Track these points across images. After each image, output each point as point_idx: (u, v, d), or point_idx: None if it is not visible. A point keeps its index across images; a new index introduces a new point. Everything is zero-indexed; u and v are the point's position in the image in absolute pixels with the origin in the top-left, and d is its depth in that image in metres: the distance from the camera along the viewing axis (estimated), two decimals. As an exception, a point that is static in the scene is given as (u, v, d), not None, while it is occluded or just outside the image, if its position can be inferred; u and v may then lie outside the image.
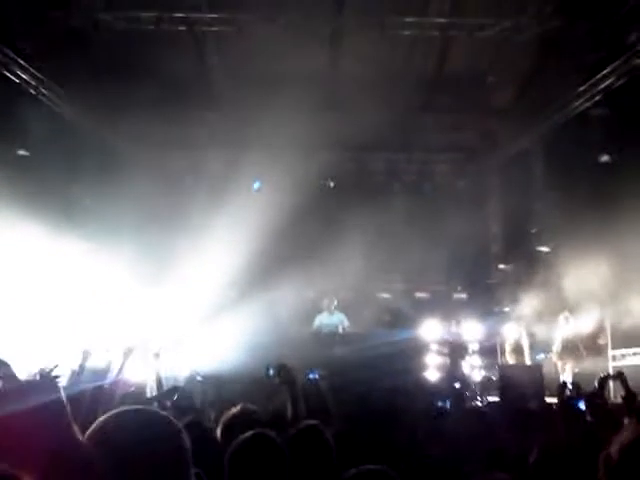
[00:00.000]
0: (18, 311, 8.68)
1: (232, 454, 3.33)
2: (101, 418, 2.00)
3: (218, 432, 4.81)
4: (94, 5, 10.48)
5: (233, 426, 4.79)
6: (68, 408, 2.26)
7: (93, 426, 1.97)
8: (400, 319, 12.40)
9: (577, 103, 12.01)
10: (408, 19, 11.67)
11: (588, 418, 5.46)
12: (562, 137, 12.66)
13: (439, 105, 13.85)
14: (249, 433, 3.43)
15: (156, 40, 11.07)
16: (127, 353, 7.47)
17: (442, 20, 11.76)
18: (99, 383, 6.71)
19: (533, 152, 13.79)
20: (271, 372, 8.52)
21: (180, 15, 10.75)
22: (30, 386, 2.74)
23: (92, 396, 6.78)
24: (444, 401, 7.60)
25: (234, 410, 4.94)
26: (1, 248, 9.05)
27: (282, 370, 6.32)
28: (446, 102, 13.69)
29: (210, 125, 12.39)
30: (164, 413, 2.10)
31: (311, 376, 7.35)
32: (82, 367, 7.71)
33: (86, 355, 7.96)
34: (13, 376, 5.09)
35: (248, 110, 11.81)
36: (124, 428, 1.95)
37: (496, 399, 9.67)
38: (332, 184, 14.23)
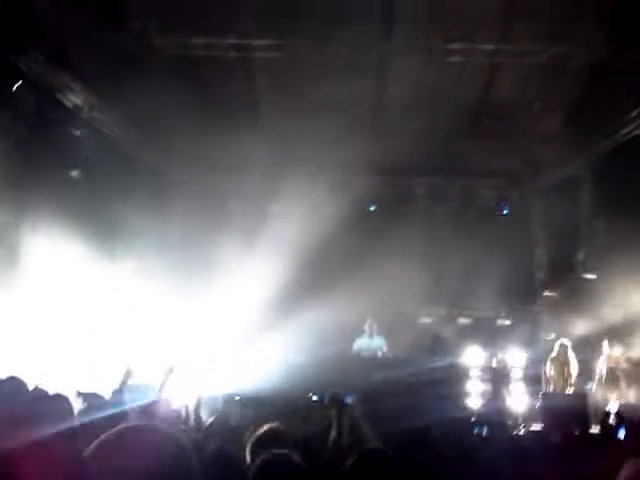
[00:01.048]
0: (64, 329, 8.91)
1: (253, 475, 3.36)
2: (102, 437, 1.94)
3: (247, 451, 4.87)
4: (148, 30, 10.81)
5: (261, 445, 4.85)
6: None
7: (95, 443, 1.93)
8: (441, 344, 12.30)
9: (627, 130, 11.88)
10: (455, 45, 11.73)
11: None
12: (611, 164, 12.51)
13: (485, 131, 13.81)
14: (269, 454, 3.44)
15: (206, 64, 11.36)
16: (168, 372, 7.61)
17: (490, 47, 11.79)
18: (141, 403, 6.86)
19: (580, 178, 13.62)
20: (319, 398, 8.62)
21: (231, 42, 11.03)
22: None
23: (138, 415, 6.92)
24: (482, 428, 7.52)
25: (262, 430, 4.99)
26: (53, 267, 9.35)
27: (335, 397, 6.41)
28: (492, 128, 13.65)
29: (256, 148, 12.59)
30: (171, 431, 2.06)
31: (347, 400, 7.37)
32: (124, 385, 7.87)
33: (128, 373, 8.13)
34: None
35: (293, 134, 11.99)
36: (123, 446, 1.92)
37: (538, 428, 9.50)
38: (373, 208, 14.27)
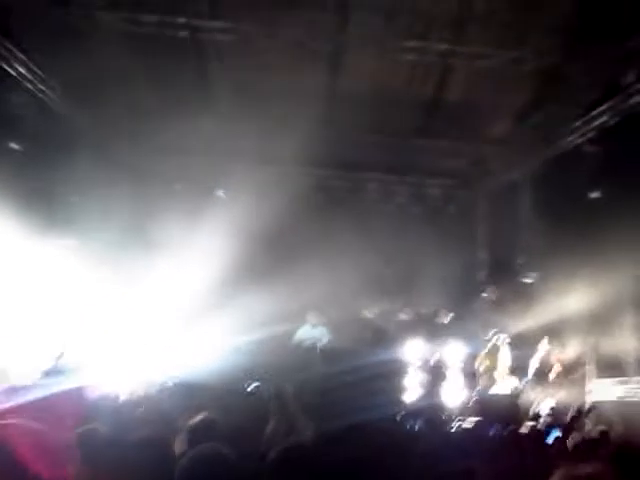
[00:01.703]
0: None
1: (182, 467, 3.24)
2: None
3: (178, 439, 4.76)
4: (95, 3, 10.48)
5: (194, 435, 4.74)
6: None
7: None
8: (382, 338, 12.36)
9: (571, 138, 12.18)
10: (409, 43, 11.78)
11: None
12: (553, 170, 12.82)
13: (435, 130, 13.92)
14: (198, 449, 3.35)
15: (156, 43, 11.08)
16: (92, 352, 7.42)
17: (444, 47, 11.88)
18: (70, 385, 6.65)
19: (522, 183, 13.91)
20: (256, 388, 8.54)
21: (182, 21, 10.79)
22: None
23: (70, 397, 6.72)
24: (415, 421, 7.57)
25: (195, 419, 4.88)
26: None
27: (278, 390, 6.36)
28: (443, 127, 13.77)
29: (204, 132, 12.39)
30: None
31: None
32: (55, 366, 7.64)
33: (60, 355, 7.89)
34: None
35: (244, 121, 11.83)
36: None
37: (472, 424, 9.64)
38: (318, 201, 14.20)
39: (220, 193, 12.48)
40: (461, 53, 11.99)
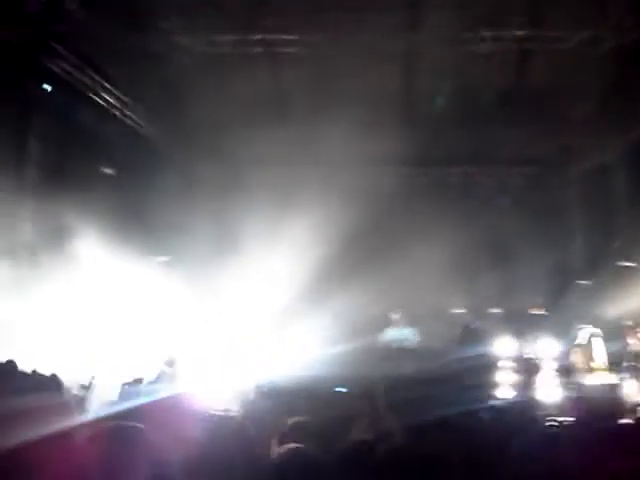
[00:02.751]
0: (101, 324, 9.16)
1: (273, 471, 3.47)
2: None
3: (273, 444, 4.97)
4: (173, 29, 10.97)
5: (286, 438, 4.94)
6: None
7: None
8: (472, 335, 12.20)
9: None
10: (484, 33, 11.60)
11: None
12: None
13: (517, 118, 13.61)
14: (285, 448, 3.55)
15: (232, 61, 11.47)
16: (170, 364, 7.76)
17: (520, 33, 11.63)
18: (169, 394, 7.02)
19: (614, 166, 13.35)
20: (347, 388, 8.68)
21: (256, 38, 11.12)
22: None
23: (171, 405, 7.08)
24: (509, 417, 7.45)
25: (288, 423, 5.08)
26: (91, 264, 9.61)
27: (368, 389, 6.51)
28: (524, 115, 13.45)
29: (282, 144, 12.68)
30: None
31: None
32: (160, 376, 8.06)
33: (168, 363, 8.32)
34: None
35: (320, 128, 12.04)
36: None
37: (571, 419, 9.38)
38: (403, 199, 14.16)
39: (302, 201, 12.67)
40: (538, 37, 11.71)
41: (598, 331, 10.69)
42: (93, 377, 7.07)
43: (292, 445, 3.71)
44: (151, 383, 8.21)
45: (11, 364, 6.32)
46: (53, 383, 5.77)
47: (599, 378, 10.35)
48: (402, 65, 12.59)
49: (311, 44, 11.40)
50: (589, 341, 10.68)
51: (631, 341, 10.81)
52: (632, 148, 12.79)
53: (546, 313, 13.23)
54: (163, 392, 7.22)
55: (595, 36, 11.23)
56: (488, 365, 10.37)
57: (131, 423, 3.97)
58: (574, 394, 10.02)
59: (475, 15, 11.50)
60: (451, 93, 12.71)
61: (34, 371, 6.44)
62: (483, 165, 14.63)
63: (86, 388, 6.89)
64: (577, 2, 11.10)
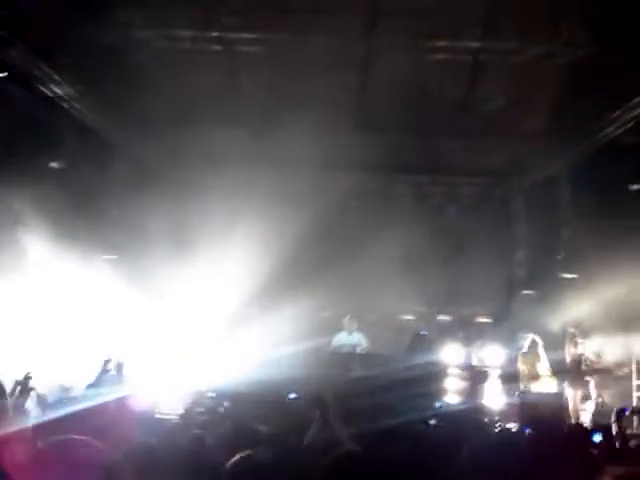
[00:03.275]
0: (43, 323, 8.89)
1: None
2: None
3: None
4: (131, 22, 10.72)
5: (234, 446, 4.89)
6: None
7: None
8: (420, 342, 12.33)
9: (608, 130, 11.94)
10: (440, 43, 11.73)
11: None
12: (592, 164, 12.60)
13: (469, 129, 13.82)
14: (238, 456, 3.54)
15: (190, 57, 11.30)
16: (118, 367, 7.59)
17: (474, 44, 11.80)
18: (116, 396, 6.85)
19: (562, 178, 13.71)
20: (297, 396, 8.65)
21: (215, 34, 10.97)
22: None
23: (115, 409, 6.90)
24: (456, 424, 7.56)
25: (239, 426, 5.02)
26: (34, 259, 9.31)
27: (319, 397, 6.49)
28: (476, 126, 13.67)
29: (237, 142, 12.56)
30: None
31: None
32: (100, 378, 7.86)
33: (103, 367, 8.10)
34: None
35: (275, 129, 11.96)
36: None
37: (515, 426, 9.57)
38: (353, 205, 14.24)
39: (254, 203, 12.56)
40: (492, 49, 11.90)
41: (539, 340, 10.97)
42: (28, 379, 6.80)
43: (244, 453, 3.71)
44: (92, 386, 8.00)
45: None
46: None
47: (543, 385, 10.61)
48: (358, 70, 12.62)
49: (269, 44, 11.32)
50: (533, 349, 10.94)
51: (572, 350, 11.14)
52: (578, 162, 13.14)
53: (492, 321, 13.51)
54: (106, 395, 7.05)
55: (549, 51, 11.48)
56: (436, 372, 10.49)
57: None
58: (519, 401, 10.25)
59: (431, 24, 11.61)
60: (405, 100, 12.78)
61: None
62: (434, 174, 14.79)
63: (24, 392, 6.64)
64: (532, 16, 11.31)
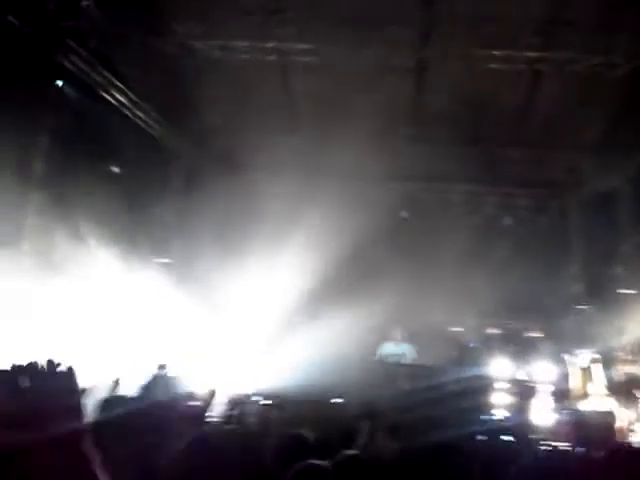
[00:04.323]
0: (99, 326, 9.14)
1: None
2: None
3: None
4: (190, 33, 10.99)
5: (284, 451, 4.97)
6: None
7: None
8: (469, 355, 12.19)
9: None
10: (497, 52, 11.61)
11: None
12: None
13: (525, 139, 13.63)
14: (302, 464, 3.63)
15: (245, 67, 11.50)
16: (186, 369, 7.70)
17: (532, 54, 11.64)
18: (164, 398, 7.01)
19: (621, 191, 13.37)
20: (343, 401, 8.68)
21: (270, 45, 11.14)
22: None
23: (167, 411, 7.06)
24: (504, 441, 7.46)
25: (285, 436, 5.10)
26: (92, 263, 9.60)
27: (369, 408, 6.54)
28: (533, 136, 13.48)
29: (291, 152, 12.71)
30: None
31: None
32: (153, 381, 8.05)
33: (159, 370, 8.30)
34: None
35: (330, 138, 12.04)
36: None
37: (564, 444, 9.37)
38: (405, 215, 14.22)
39: (306, 212, 12.65)
40: (550, 59, 11.72)
41: (598, 356, 10.68)
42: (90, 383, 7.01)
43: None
44: (145, 388, 8.19)
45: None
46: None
47: (595, 404, 10.35)
48: (413, 80, 12.60)
49: (324, 54, 11.41)
50: (588, 366, 10.67)
51: (626, 368, 10.83)
52: (637, 174, 12.80)
53: (544, 336, 13.24)
54: (159, 398, 7.20)
55: (608, 60, 11.24)
56: (484, 386, 10.36)
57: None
58: (567, 418, 10.02)
59: (488, 33, 11.51)
60: (461, 110, 12.70)
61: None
62: (490, 184, 14.63)
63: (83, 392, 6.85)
64: (591, 26, 11.11)
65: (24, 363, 2.03)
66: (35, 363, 1.97)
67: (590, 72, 11.50)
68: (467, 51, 11.48)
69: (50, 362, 2.03)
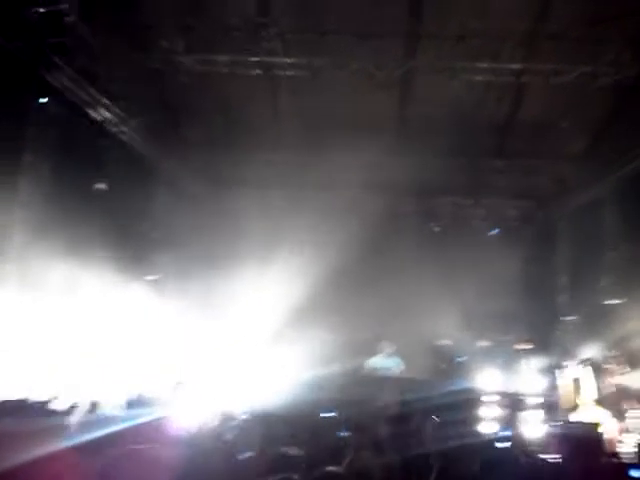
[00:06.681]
0: (83, 343, 9.08)
1: None
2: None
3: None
4: (174, 48, 10.97)
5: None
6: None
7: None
8: (457, 368, 12.19)
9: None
10: (481, 64, 11.67)
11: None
12: (636, 186, 12.34)
13: (511, 150, 13.71)
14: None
15: (230, 81, 11.48)
16: (177, 387, 7.68)
17: (516, 66, 11.71)
18: (152, 417, 6.96)
19: (606, 201, 13.44)
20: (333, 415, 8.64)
21: (255, 59, 11.13)
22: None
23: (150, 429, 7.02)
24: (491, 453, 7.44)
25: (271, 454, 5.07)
26: (76, 279, 9.54)
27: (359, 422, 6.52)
28: (518, 147, 13.55)
29: (276, 166, 12.70)
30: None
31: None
32: (137, 399, 7.99)
33: (143, 388, 8.23)
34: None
35: (316, 152, 12.06)
36: None
37: (553, 456, 9.35)
38: (392, 228, 14.20)
39: (291, 226, 12.64)
40: (535, 70, 11.78)
41: (587, 368, 10.70)
42: (74, 402, 6.97)
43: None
44: (132, 406, 8.13)
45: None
46: (42, 408, 5.73)
47: (584, 415, 10.35)
48: (398, 92, 12.65)
49: (309, 67, 11.41)
50: (577, 377, 10.69)
51: (615, 379, 10.84)
52: (624, 184, 12.87)
53: (533, 348, 13.25)
54: (144, 416, 7.16)
55: (592, 71, 11.31)
56: (473, 399, 10.35)
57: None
58: (556, 430, 10.00)
59: (472, 46, 11.56)
60: (447, 122, 12.75)
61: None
62: (475, 195, 14.69)
63: (67, 412, 6.82)
64: (576, 37, 11.18)
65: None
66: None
67: (575, 83, 11.55)
68: (452, 64, 11.52)
69: None
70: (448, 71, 11.68)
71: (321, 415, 9.02)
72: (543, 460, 8.98)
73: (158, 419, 7.39)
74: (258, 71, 11.29)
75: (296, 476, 4.04)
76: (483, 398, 10.52)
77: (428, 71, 11.81)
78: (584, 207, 13.96)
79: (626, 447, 9.41)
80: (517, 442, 9.52)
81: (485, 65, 11.63)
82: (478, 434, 9.60)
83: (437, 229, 14.67)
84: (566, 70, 11.48)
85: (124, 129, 11.18)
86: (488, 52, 11.59)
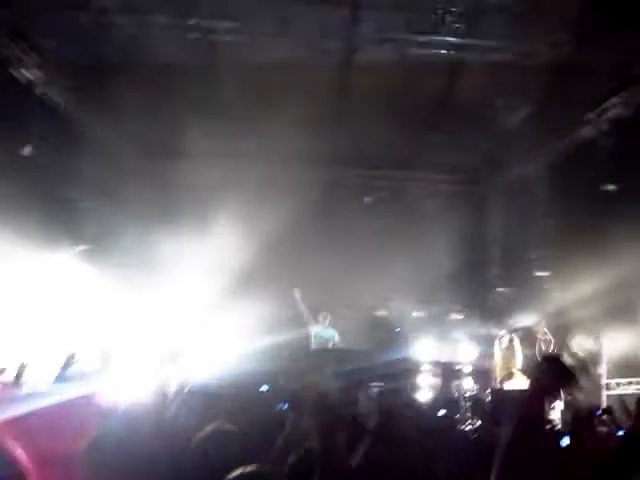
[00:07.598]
0: (6, 316, 8.68)
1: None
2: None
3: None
4: (108, 8, 10.47)
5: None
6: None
7: None
8: (394, 337, 12.35)
9: (584, 130, 12.04)
10: (420, 38, 11.65)
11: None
12: (566, 164, 12.70)
13: (446, 125, 13.81)
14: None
15: (166, 46, 11.07)
16: (105, 359, 7.42)
17: (455, 40, 11.75)
18: (83, 391, 6.69)
19: (535, 177, 13.79)
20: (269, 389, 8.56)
21: (192, 22, 10.75)
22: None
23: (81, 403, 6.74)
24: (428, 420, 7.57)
25: (207, 430, 4.95)
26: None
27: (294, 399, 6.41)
28: (454, 122, 13.67)
29: (213, 136, 12.39)
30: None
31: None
32: (65, 372, 7.68)
33: (69, 359, 7.92)
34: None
35: (253, 122, 11.82)
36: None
37: (487, 423, 9.58)
38: (330, 199, 14.19)
39: (228, 196, 12.37)
40: (473, 46, 11.85)
41: (517, 337, 11.02)
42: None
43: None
44: (58, 380, 7.83)
45: None
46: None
47: (516, 383, 10.67)
48: (339, 62, 12.51)
49: (250, 33, 11.13)
50: (507, 346, 11.00)
51: (543, 347, 11.22)
52: (554, 161, 13.23)
53: (466, 318, 13.56)
54: (72, 391, 6.88)
55: (530, 49, 11.46)
56: (409, 368, 10.51)
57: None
58: (491, 397, 10.28)
59: (412, 19, 11.52)
60: (385, 96, 12.72)
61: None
62: (411, 170, 14.80)
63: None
64: (514, 15, 11.29)
65: None
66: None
67: (512, 60, 11.69)
68: (393, 35, 11.46)
69: None
70: (389, 42, 11.64)
71: (260, 389, 8.95)
72: (479, 428, 9.22)
73: (87, 394, 7.12)
74: (196, 34, 10.92)
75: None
76: (420, 367, 10.70)
77: (369, 42, 11.73)
78: (516, 182, 14.29)
79: (555, 413, 9.78)
80: (453, 410, 9.73)
81: (424, 39, 11.64)
82: (415, 402, 9.76)
83: (373, 201, 14.71)
84: (504, 47, 11.61)
85: (53, 90, 10.65)
86: (427, 25, 11.60)
